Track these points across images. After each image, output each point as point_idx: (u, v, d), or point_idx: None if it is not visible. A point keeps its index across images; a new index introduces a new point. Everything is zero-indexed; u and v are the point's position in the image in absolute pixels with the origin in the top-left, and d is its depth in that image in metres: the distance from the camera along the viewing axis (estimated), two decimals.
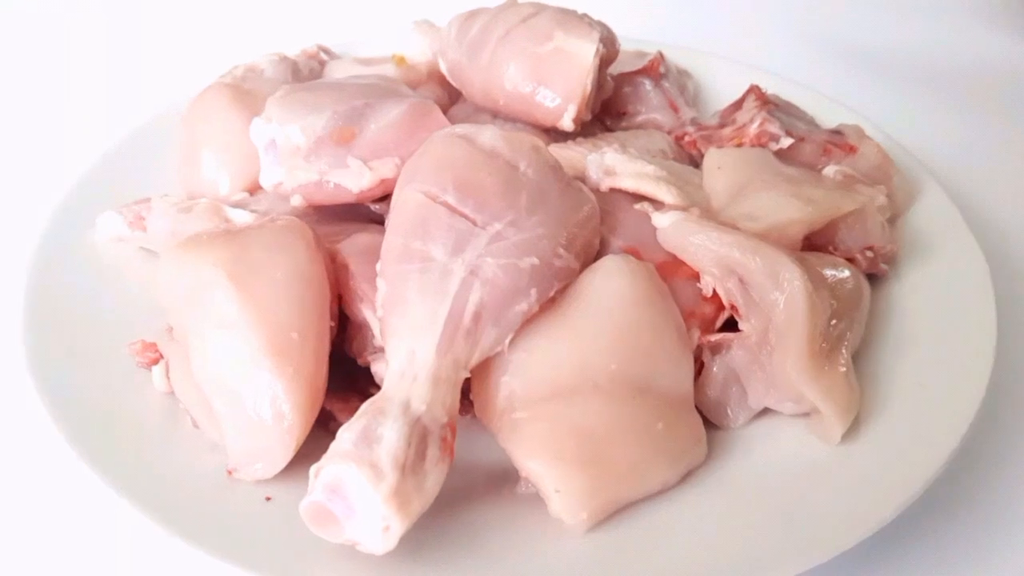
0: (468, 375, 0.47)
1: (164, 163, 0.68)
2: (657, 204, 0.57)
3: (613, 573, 0.44)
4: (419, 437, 0.43)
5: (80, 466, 0.47)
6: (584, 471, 0.45)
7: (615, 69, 0.71)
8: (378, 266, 0.50)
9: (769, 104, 0.68)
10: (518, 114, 0.66)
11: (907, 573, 0.50)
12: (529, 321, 0.49)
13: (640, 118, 0.73)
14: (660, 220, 0.54)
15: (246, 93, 0.67)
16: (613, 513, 0.46)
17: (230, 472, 0.48)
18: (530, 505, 0.47)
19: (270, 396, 0.47)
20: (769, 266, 0.50)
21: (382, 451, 0.42)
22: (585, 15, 0.66)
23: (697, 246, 0.52)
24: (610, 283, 0.50)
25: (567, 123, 0.63)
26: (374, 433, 0.43)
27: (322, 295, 0.50)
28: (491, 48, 0.65)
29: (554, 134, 0.66)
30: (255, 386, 0.47)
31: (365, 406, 0.45)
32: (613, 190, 0.58)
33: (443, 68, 0.70)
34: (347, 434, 0.43)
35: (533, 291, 0.48)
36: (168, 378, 0.52)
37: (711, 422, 0.52)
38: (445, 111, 0.63)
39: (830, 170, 0.62)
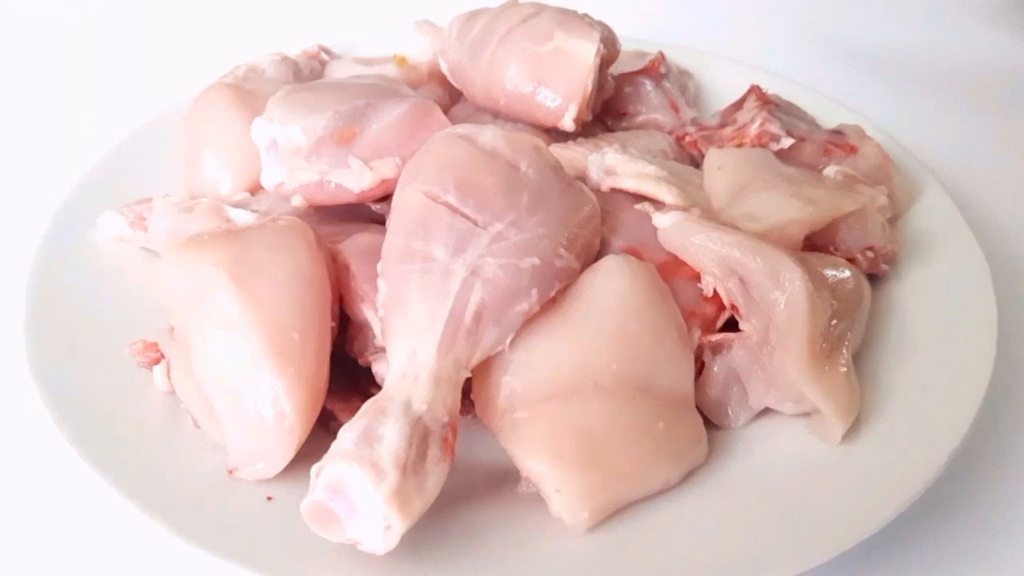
0: (469, 375, 0.47)
1: (165, 163, 0.68)
2: (658, 204, 0.57)
3: (613, 573, 0.44)
4: (420, 437, 0.44)
5: (81, 466, 0.47)
6: (585, 471, 0.46)
7: (616, 69, 0.71)
8: (379, 266, 0.50)
9: (770, 104, 0.68)
10: (519, 114, 0.66)
11: (907, 573, 0.50)
12: (530, 321, 0.49)
13: (641, 118, 0.73)
14: (661, 220, 0.54)
15: (247, 93, 0.67)
16: (613, 513, 0.46)
17: (231, 472, 0.48)
18: (531, 505, 0.47)
19: (271, 396, 0.47)
20: (770, 266, 0.50)
21: (383, 451, 0.42)
22: (586, 15, 0.66)
23: (698, 246, 0.52)
24: (611, 283, 0.50)
25: (568, 123, 0.63)
26: (375, 433, 0.43)
27: (323, 295, 0.50)
28: (492, 48, 0.65)
29: (555, 134, 0.66)
30: (256, 386, 0.47)
31: (366, 406, 0.45)
32: (614, 190, 0.58)
33: (444, 68, 0.70)
34: (348, 434, 0.43)
35: (534, 291, 0.48)
36: (169, 378, 0.52)
37: (712, 422, 0.52)
38: (446, 111, 0.63)
39: (831, 170, 0.62)
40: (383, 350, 0.50)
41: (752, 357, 0.51)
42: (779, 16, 1.05)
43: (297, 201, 0.58)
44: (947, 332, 0.55)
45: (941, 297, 0.57)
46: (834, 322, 0.51)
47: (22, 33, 1.02)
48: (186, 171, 0.67)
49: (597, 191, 0.57)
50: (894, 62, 0.98)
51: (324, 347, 0.49)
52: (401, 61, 0.74)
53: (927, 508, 0.51)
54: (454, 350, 0.47)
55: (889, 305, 0.58)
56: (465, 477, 0.48)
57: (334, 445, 0.43)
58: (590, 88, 0.62)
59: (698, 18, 1.02)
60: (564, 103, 0.63)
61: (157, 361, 0.53)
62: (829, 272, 0.54)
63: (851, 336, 0.53)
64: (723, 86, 0.78)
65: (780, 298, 0.50)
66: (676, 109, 0.72)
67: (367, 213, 0.60)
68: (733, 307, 0.52)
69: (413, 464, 0.43)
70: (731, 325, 0.53)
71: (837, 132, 0.67)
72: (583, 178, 0.58)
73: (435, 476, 0.44)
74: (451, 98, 0.73)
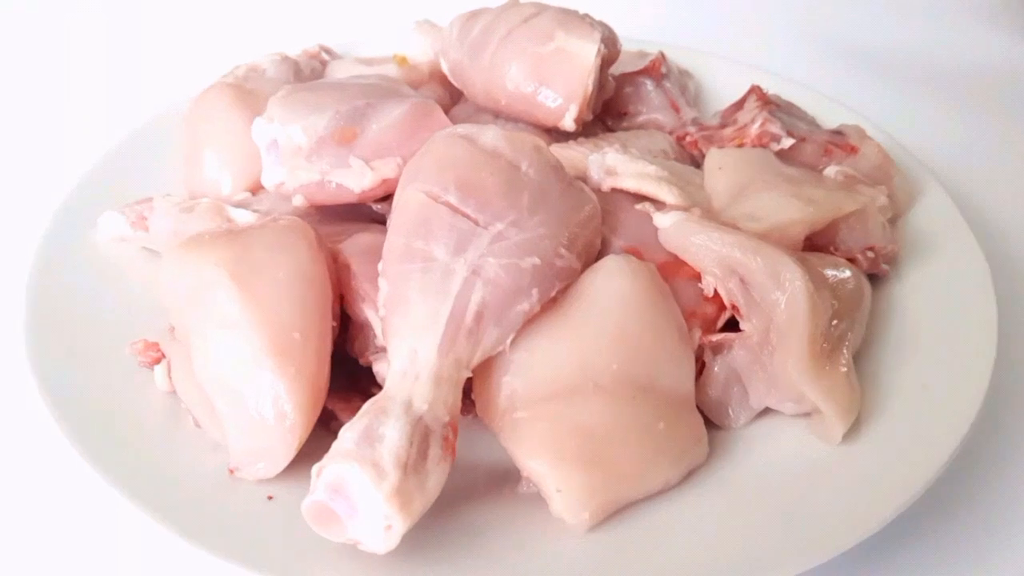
0: (470, 375, 0.47)
1: (166, 163, 0.68)
2: (658, 204, 0.57)
3: (614, 573, 0.44)
4: (421, 436, 0.44)
5: (82, 465, 0.48)
6: (585, 471, 0.46)
7: (616, 69, 0.71)
8: (380, 266, 0.50)
9: (770, 104, 0.68)
10: (520, 114, 0.66)
11: (907, 573, 0.50)
12: (531, 321, 0.49)
13: (641, 118, 0.73)
14: (661, 220, 0.54)
15: (248, 93, 0.67)
16: (614, 513, 0.46)
17: (232, 471, 0.48)
18: (531, 505, 0.47)
19: (272, 396, 0.47)
20: (770, 266, 0.51)
21: (384, 450, 0.42)
22: (586, 15, 0.66)
23: (698, 246, 0.52)
24: (611, 283, 0.50)
25: (568, 123, 0.63)
26: (376, 432, 0.43)
27: (324, 295, 0.50)
28: (493, 48, 0.65)
29: (556, 134, 0.66)
30: (257, 386, 0.47)
31: (367, 405, 0.45)
32: (614, 190, 0.58)
33: (445, 68, 0.70)
34: (349, 433, 0.43)
35: (535, 291, 0.48)
36: (170, 378, 0.52)
37: (712, 422, 0.52)
38: (447, 111, 0.63)
39: (831, 170, 0.62)
40: (384, 350, 0.50)
41: (753, 357, 0.51)
42: (779, 16, 1.05)
43: (298, 201, 0.58)
44: (947, 332, 0.55)
45: (941, 297, 0.57)
46: (835, 322, 0.51)
47: (22, 33, 1.02)
48: (187, 171, 0.67)
49: (598, 191, 0.57)
50: (894, 62, 0.98)
51: (325, 347, 0.49)
52: (402, 61, 0.74)
53: (927, 508, 0.51)
54: (455, 350, 0.47)
55: (889, 305, 0.58)
56: (466, 477, 0.49)
57: (335, 445, 0.43)
58: (591, 88, 0.62)
59: (698, 18, 1.02)
60: (565, 103, 0.63)
61: (158, 361, 0.53)
62: (830, 272, 0.54)
63: (851, 336, 0.53)
64: (723, 86, 0.78)
65: (781, 298, 0.50)
66: (677, 109, 0.72)
67: (368, 213, 0.60)
68: (734, 307, 0.52)
69: (414, 464, 0.43)
70: (732, 325, 0.53)
71: (837, 132, 0.67)
72: (584, 178, 0.58)
73: (436, 476, 0.44)
74: (452, 98, 0.73)
